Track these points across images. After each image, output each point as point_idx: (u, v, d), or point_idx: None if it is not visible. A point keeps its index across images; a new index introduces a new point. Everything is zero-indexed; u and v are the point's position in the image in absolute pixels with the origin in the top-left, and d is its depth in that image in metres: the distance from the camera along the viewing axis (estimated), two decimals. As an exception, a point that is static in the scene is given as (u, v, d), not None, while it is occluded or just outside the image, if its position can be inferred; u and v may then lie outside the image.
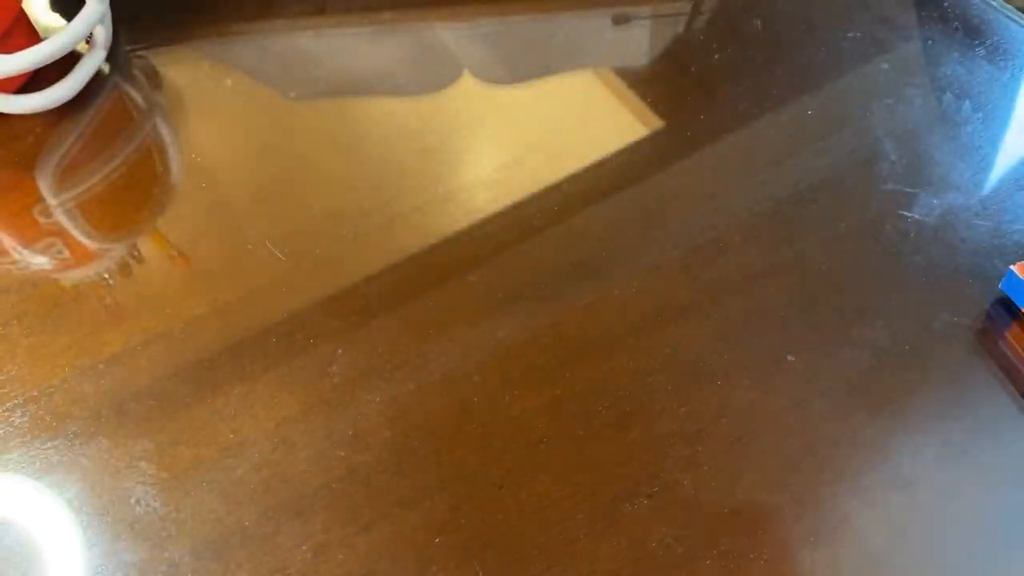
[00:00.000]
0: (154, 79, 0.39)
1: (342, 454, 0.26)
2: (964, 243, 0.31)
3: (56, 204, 0.34)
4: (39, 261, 0.32)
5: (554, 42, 0.39)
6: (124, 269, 0.32)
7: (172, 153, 0.36)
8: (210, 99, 0.38)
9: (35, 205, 0.34)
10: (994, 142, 0.34)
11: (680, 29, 0.40)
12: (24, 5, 0.37)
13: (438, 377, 0.28)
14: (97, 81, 0.38)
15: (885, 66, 0.37)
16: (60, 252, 0.32)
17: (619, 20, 0.40)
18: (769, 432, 0.26)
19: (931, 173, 0.33)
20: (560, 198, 0.33)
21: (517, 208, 0.33)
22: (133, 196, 0.34)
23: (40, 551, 0.25)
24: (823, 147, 0.34)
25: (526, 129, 0.36)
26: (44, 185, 0.34)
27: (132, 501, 0.25)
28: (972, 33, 0.38)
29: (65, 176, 0.35)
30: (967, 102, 0.35)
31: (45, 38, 0.35)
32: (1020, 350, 0.28)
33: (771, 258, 0.31)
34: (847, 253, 0.31)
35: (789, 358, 0.28)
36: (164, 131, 0.37)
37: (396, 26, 0.40)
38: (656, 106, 0.36)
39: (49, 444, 0.27)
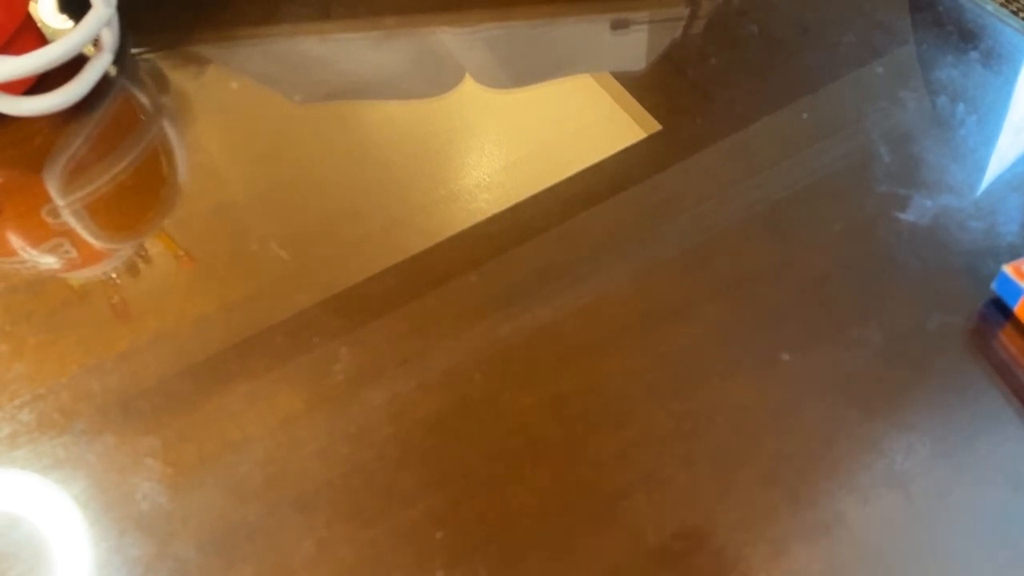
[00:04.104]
0: (161, 82, 0.39)
1: (345, 451, 0.27)
2: (958, 244, 0.31)
3: (64, 205, 0.34)
4: (47, 261, 0.33)
5: (554, 47, 0.40)
6: (131, 269, 0.32)
7: (178, 155, 0.36)
8: (216, 102, 0.38)
9: (43, 206, 0.34)
10: (988, 144, 0.34)
11: (677, 34, 0.40)
12: (31, 8, 0.38)
13: (439, 375, 0.28)
14: (104, 84, 0.39)
15: (880, 70, 0.37)
16: (68, 252, 0.33)
17: (618, 25, 0.40)
18: (764, 430, 0.27)
19: (925, 175, 0.33)
20: (560, 200, 0.33)
21: (517, 209, 0.33)
22: (140, 197, 0.35)
23: (47, 546, 0.25)
24: (818, 150, 0.34)
25: (526, 132, 0.36)
26: (52, 186, 0.35)
27: (138, 497, 0.26)
28: (966, 37, 0.39)
29: (73, 177, 0.35)
30: (961, 105, 0.36)
31: (52, 41, 0.35)
32: (1012, 350, 0.28)
33: (767, 259, 0.31)
34: (842, 254, 0.31)
35: (784, 357, 0.28)
36: (171, 133, 0.37)
37: (399, 31, 0.41)
38: (654, 110, 0.37)
39: (56, 441, 0.27)
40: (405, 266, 0.31)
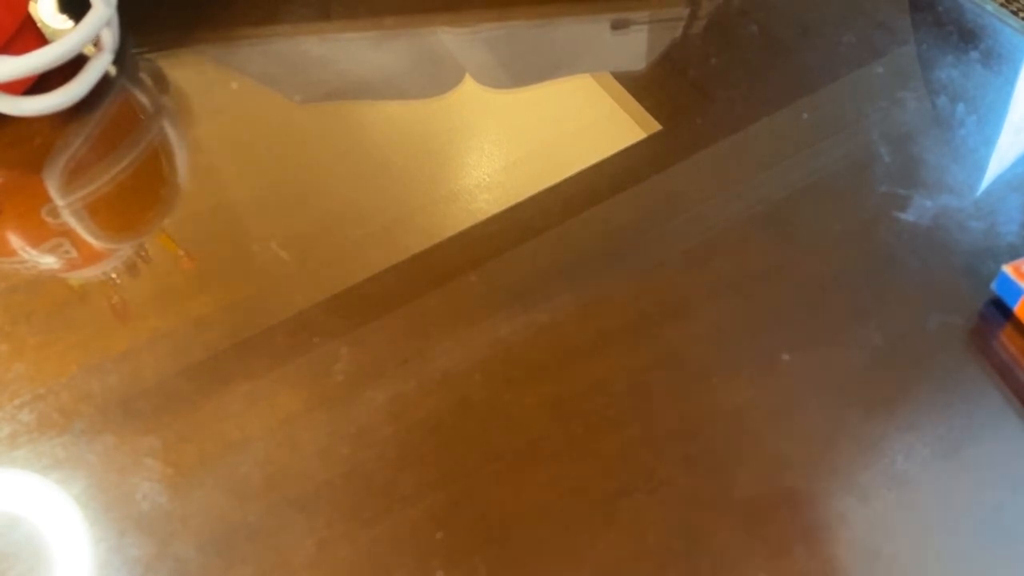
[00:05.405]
0: (161, 82, 0.39)
1: (345, 451, 0.27)
2: (957, 244, 0.31)
3: (64, 205, 0.34)
4: (47, 261, 0.33)
5: (554, 47, 0.40)
6: (131, 269, 0.32)
7: (178, 155, 0.36)
8: (216, 102, 0.38)
9: (43, 206, 0.34)
10: (988, 144, 0.34)
11: (678, 34, 0.40)
12: (31, 8, 0.38)
13: (439, 375, 0.28)
14: (104, 84, 0.39)
15: (880, 70, 0.37)
16: (68, 252, 0.33)
17: (618, 25, 0.40)
18: (764, 430, 0.27)
19: (925, 175, 0.33)
20: (560, 200, 0.33)
21: (517, 210, 0.33)
22: (140, 197, 0.35)
23: (47, 546, 0.25)
24: (818, 150, 0.34)
25: (526, 132, 0.36)
26: (52, 186, 0.35)
27: (138, 497, 0.26)
28: (966, 37, 0.39)
29: (73, 177, 0.35)
30: (961, 105, 0.36)
31: (52, 41, 0.35)
32: (1012, 350, 0.28)
33: (767, 259, 0.31)
34: (842, 254, 0.31)
35: (784, 357, 0.28)
36: (171, 133, 0.37)
37: (399, 31, 0.41)
38: (654, 110, 0.37)
39: (56, 441, 0.27)
40: (405, 266, 0.31)
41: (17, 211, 0.34)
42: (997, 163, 0.34)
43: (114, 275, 0.32)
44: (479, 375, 0.28)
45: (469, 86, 0.38)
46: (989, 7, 0.40)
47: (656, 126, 0.36)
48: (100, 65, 0.38)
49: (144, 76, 0.40)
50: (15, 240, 0.33)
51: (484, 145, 0.36)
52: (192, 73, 0.40)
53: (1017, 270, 0.28)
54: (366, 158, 0.36)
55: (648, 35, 0.40)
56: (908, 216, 0.32)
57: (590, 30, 0.40)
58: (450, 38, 0.40)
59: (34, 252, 0.33)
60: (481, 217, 0.33)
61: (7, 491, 0.26)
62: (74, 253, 0.33)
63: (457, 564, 0.24)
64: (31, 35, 0.38)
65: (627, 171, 0.34)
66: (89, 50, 0.38)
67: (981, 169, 0.34)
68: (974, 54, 0.38)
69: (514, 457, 0.26)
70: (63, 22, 0.42)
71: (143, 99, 0.39)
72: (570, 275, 0.31)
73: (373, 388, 0.28)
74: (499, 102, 0.38)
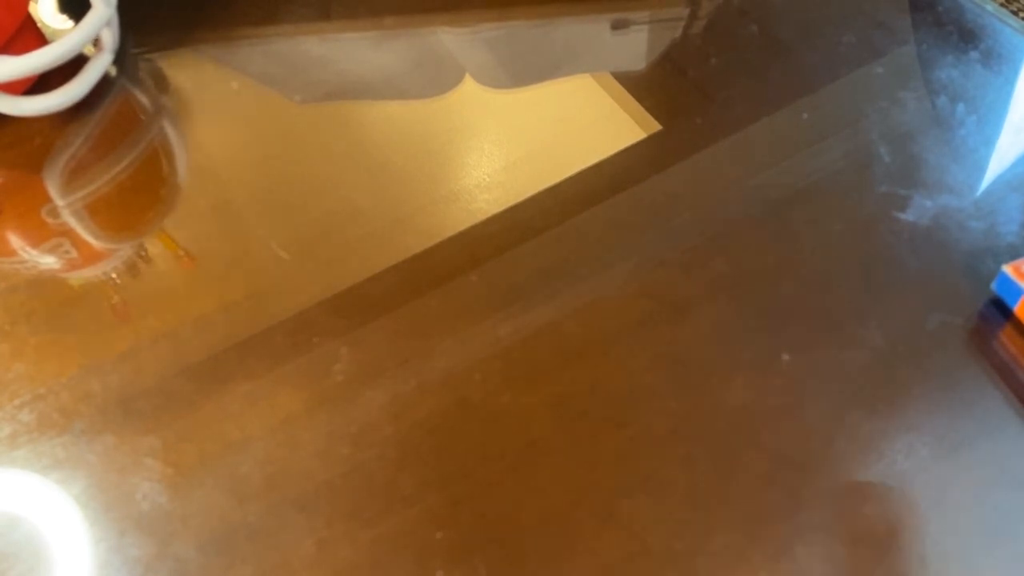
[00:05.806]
0: (161, 82, 0.39)
1: (345, 451, 0.27)
2: (957, 244, 0.31)
3: (64, 205, 0.34)
4: (47, 261, 0.33)
5: (554, 47, 0.40)
6: (131, 269, 0.32)
7: (178, 155, 0.36)
8: (216, 102, 0.38)
9: (43, 206, 0.34)
10: (988, 144, 0.34)
11: (678, 34, 0.40)
12: (31, 8, 0.38)
13: (440, 375, 0.28)
14: (104, 84, 0.39)
15: (880, 70, 0.37)
16: (68, 252, 0.33)
17: (618, 26, 0.40)
18: (764, 430, 0.27)
19: (925, 175, 0.33)
20: (560, 200, 0.33)
21: (517, 209, 0.33)
22: (140, 197, 0.35)
23: (47, 546, 0.25)
24: (818, 150, 0.34)
25: (526, 132, 0.36)
26: (52, 186, 0.35)
27: (138, 497, 0.26)
28: (966, 37, 0.39)
29: (73, 177, 0.35)
30: (961, 105, 0.36)
31: (52, 41, 0.35)
32: (1012, 349, 0.28)
33: (767, 259, 0.31)
34: (842, 254, 0.31)
35: (784, 357, 0.28)
36: (171, 133, 0.37)
37: (399, 31, 0.41)
38: (654, 110, 0.37)
39: (56, 441, 0.27)
40: (405, 266, 0.31)
41: (17, 211, 0.34)
42: (997, 163, 0.34)
43: (114, 275, 0.32)
44: (479, 375, 0.28)
45: (469, 86, 0.38)
46: (989, 7, 0.40)
47: (656, 126, 0.36)
48: (100, 65, 0.38)
49: (144, 76, 0.40)
50: (15, 240, 0.33)
51: (484, 145, 0.36)
52: (192, 73, 0.40)
53: (1017, 270, 0.28)
54: (366, 158, 0.36)
55: (648, 35, 0.40)
56: (908, 216, 0.32)
57: (590, 30, 0.40)
58: (450, 38, 0.40)
59: (34, 252, 0.33)
60: (481, 217, 0.33)
61: (7, 491, 0.26)
62: (74, 253, 0.33)
63: (457, 564, 0.24)
64: (31, 35, 0.38)
65: (627, 171, 0.34)
66: (89, 50, 0.38)
67: (981, 169, 0.34)
68: (974, 54, 0.38)
69: (514, 457, 0.26)
70: (63, 22, 0.42)
71: (143, 99, 0.39)
72: (570, 275, 0.31)
73: (373, 388, 0.28)
74: (499, 102, 0.38)
